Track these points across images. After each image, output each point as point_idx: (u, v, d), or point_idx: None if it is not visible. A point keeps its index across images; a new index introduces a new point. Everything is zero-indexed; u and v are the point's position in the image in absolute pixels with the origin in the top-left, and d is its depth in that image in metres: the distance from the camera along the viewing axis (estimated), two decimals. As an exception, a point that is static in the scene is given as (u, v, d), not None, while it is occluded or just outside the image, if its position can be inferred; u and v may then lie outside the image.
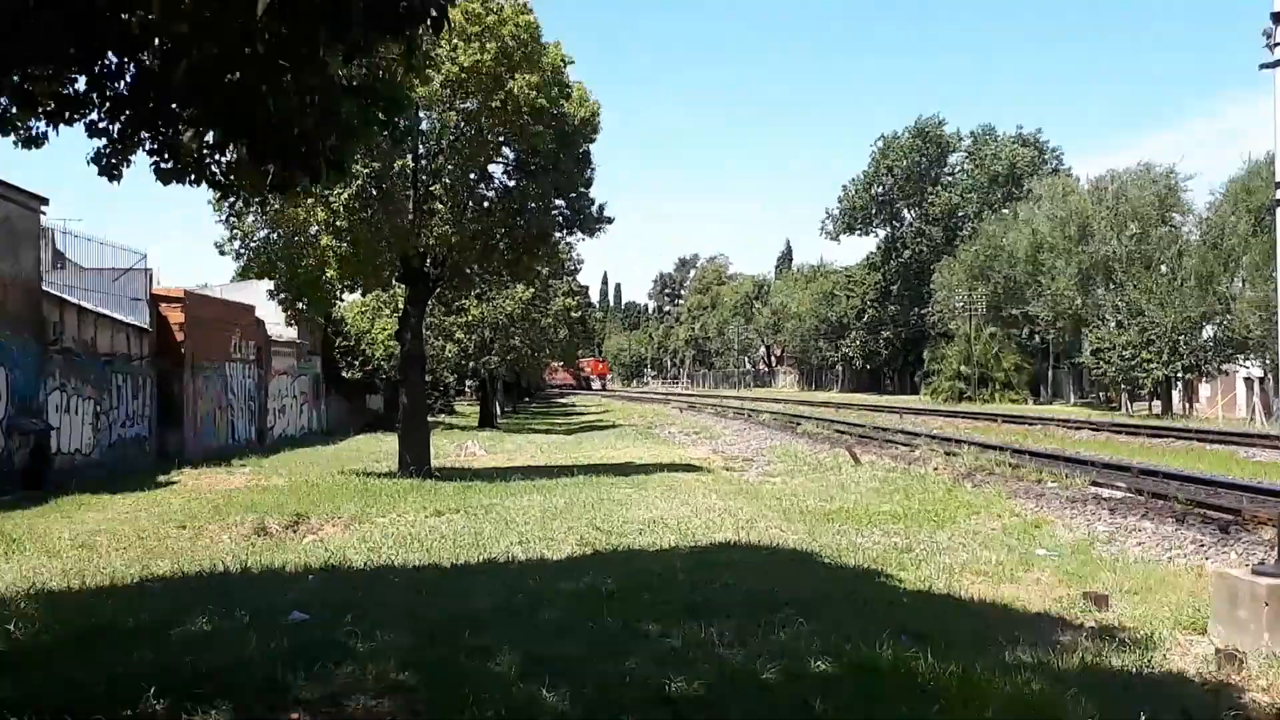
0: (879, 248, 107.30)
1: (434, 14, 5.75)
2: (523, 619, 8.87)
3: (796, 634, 8.26)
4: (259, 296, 32.28)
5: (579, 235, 27.15)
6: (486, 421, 55.82)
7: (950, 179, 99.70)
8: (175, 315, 30.55)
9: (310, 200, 21.74)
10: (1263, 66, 8.74)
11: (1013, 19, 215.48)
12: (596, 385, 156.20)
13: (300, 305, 27.49)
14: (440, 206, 24.09)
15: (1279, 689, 7.33)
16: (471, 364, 53.51)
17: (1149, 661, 8.03)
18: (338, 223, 23.35)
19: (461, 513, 17.54)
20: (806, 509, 17.91)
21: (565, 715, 6.31)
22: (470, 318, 46.11)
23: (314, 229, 23.85)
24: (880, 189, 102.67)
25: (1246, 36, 8.77)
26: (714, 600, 9.64)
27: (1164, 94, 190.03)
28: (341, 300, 35.22)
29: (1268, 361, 51.91)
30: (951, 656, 7.37)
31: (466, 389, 66.13)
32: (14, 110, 6.95)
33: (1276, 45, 8.64)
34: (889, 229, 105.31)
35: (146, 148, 7.20)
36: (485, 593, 10.06)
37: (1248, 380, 57.93)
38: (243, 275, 30.27)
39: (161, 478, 24.14)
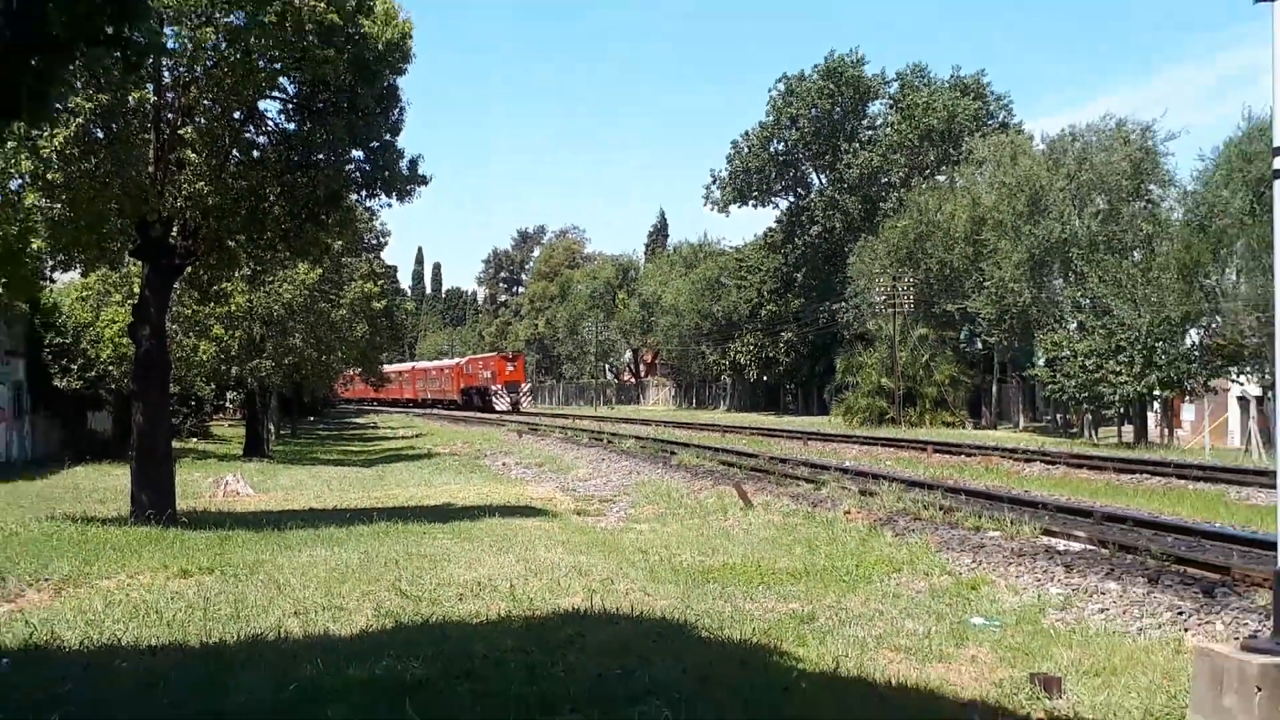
0: (779, 222, 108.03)
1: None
2: None
3: (664, 735, 8.27)
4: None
5: (382, 198, 26.53)
6: (254, 449, 54.94)
7: (871, 135, 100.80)
8: None
9: (10, 145, 21.07)
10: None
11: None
12: (502, 404, 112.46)
13: (-5, 289, 26.68)
14: (193, 156, 23.57)
15: (1272, 799, 7.55)
16: (235, 370, 52.22)
17: (1112, 765, 8.21)
18: (49, 175, 22.68)
19: (217, 573, 17.12)
20: (680, 565, 17.90)
21: None
22: (234, 308, 44.67)
23: (15, 182, 23.22)
24: (782, 146, 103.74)
25: (1239, -37, 9.01)
26: (555, 691, 9.56)
27: (1142, 33, 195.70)
28: (54, 281, 34.34)
29: (1267, 376, 51.75)
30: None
31: (228, 404, 64.82)
32: None
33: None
34: (792, 198, 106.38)
35: None
36: (246, 686, 9.82)
37: (1242, 400, 58.15)
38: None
39: None
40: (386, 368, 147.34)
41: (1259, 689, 8.69)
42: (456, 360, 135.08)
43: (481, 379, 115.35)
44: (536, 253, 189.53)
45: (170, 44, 22.46)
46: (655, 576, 16.72)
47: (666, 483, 33.21)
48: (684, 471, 36.83)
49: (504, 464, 45.37)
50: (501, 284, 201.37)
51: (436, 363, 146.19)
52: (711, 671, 10.59)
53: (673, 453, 44.57)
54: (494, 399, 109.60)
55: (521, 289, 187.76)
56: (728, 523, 23.43)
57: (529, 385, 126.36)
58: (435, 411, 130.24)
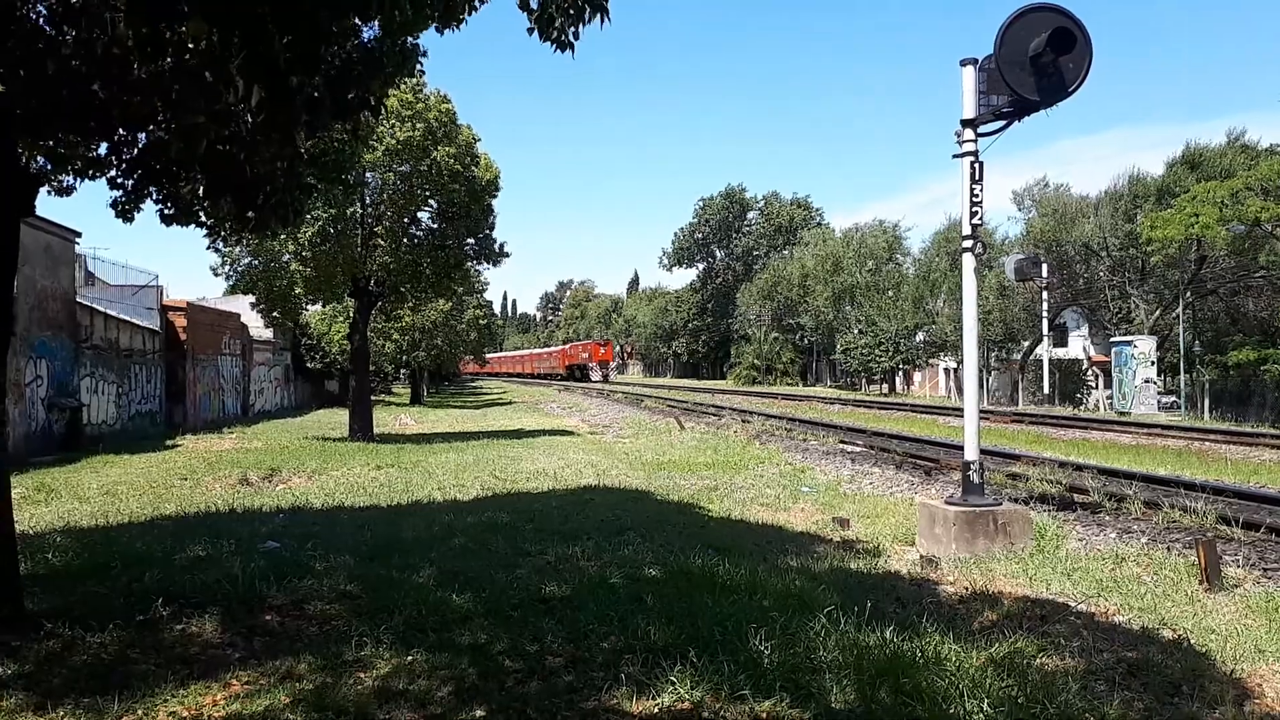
0: (699, 277, 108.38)
1: (373, 103, 5.66)
2: (439, 544, 8.74)
3: (636, 550, 8.34)
4: (243, 306, 31.04)
5: (485, 265, 26.78)
6: (415, 400, 54.80)
7: (748, 229, 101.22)
8: (179, 320, 29.69)
9: (283, 236, 21.07)
10: (955, 156, 9.07)
11: (800, 112, 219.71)
12: (597, 375, 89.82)
13: (275, 315, 26.60)
14: (382, 242, 23.58)
15: (961, 582, 7.65)
16: (404, 357, 52.35)
17: (876, 565, 8.30)
18: (303, 253, 22.77)
19: (395, 467, 17.17)
20: (646, 461, 17.97)
21: (470, 610, 6.27)
22: (404, 323, 44.92)
23: (285, 257, 23.37)
24: (700, 235, 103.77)
25: (949, 133, 9.13)
26: (579, 528, 9.63)
27: (895, 172, 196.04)
28: (306, 310, 34.35)
29: (959, 357, 53.30)
30: (742, 563, 7.53)
31: (400, 376, 64.53)
32: (49, 168, 6.60)
33: (964, 142, 8.97)
34: (706, 263, 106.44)
35: (154, 197, 6.92)
36: (411, 526, 9.87)
37: (946, 370, 59.97)
38: (231, 291, 29.07)
39: (169, 442, 23.10)
40: (513, 353, 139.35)
41: (954, 524, 8.82)
42: (563, 346, 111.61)
43: (581, 358, 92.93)
44: (568, 293, 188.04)
45: (371, 182, 22.71)
46: (632, 467, 16.79)
47: (639, 417, 33.27)
48: (648, 411, 36.89)
49: (551, 408, 45.24)
50: (549, 309, 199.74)
51: (548, 349, 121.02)
52: (663, 517, 10.67)
53: (642, 401, 44.55)
54: (591, 372, 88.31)
55: (560, 312, 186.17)
56: (672, 438, 23.50)
57: (616, 363, 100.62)
58: (541, 381, 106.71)
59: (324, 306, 37.27)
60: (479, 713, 4.55)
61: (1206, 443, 20.83)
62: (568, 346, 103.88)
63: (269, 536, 9.03)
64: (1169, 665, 5.34)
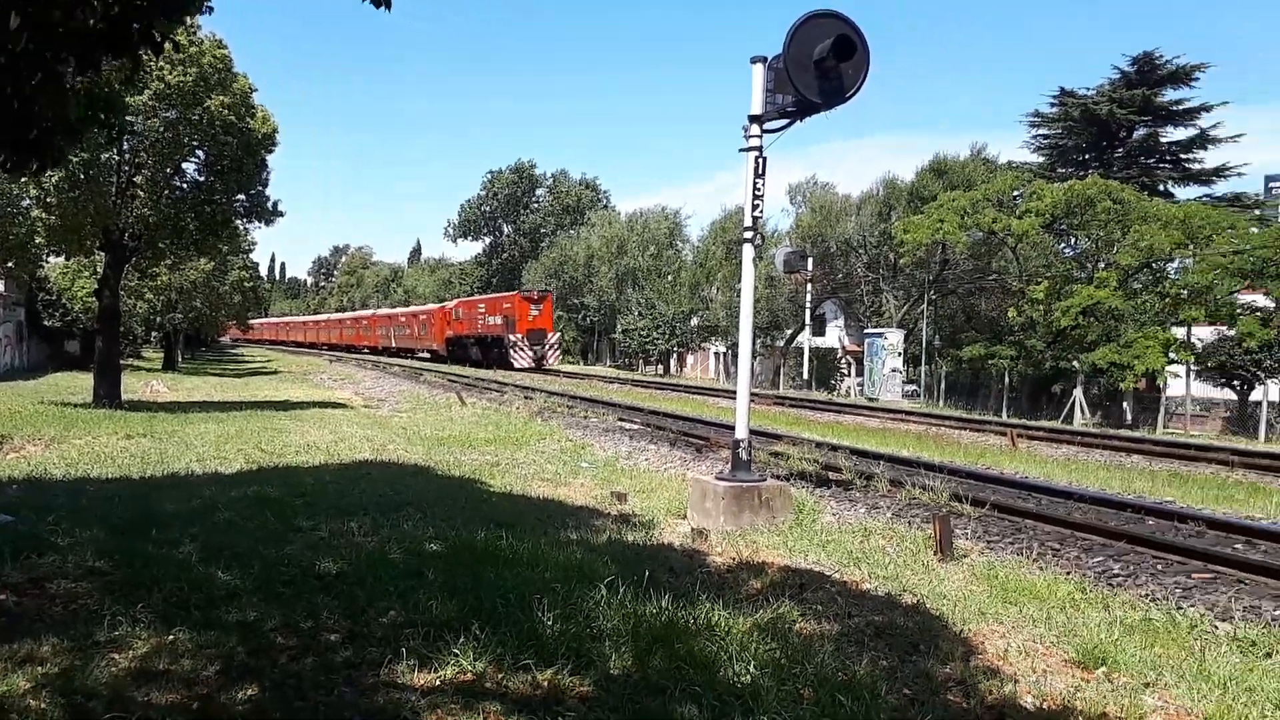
0: (485, 251, 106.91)
1: (157, 39, 5.16)
2: (201, 519, 8.19)
3: (416, 525, 8.18)
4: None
5: (256, 223, 24.97)
6: (169, 365, 50.65)
7: (537, 205, 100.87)
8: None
9: (24, 179, 18.86)
10: (741, 150, 9.44)
11: (591, 95, 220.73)
12: (523, 359, 48.69)
13: (9, 265, 23.82)
14: (141, 193, 21.57)
15: (729, 553, 8.05)
16: (159, 319, 48.35)
17: (651, 537, 8.56)
18: (47, 199, 20.45)
19: (148, 436, 15.85)
20: (426, 435, 17.54)
21: (238, 587, 5.93)
22: (160, 282, 41.24)
23: (25, 202, 20.90)
24: (488, 209, 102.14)
25: (734, 128, 9.45)
26: (354, 502, 9.30)
27: (688, 162, 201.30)
28: (47, 262, 30.97)
29: (730, 342, 55.46)
30: (525, 537, 7.56)
31: (153, 339, 59.41)
32: None
33: (750, 137, 9.34)
34: (493, 237, 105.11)
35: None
36: (169, 500, 9.16)
37: (717, 354, 62.41)
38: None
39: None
40: (302, 318, 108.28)
41: (723, 498, 9.25)
42: (441, 304, 67.90)
43: (485, 326, 53.18)
44: (344, 258, 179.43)
45: (134, 128, 20.57)
46: (411, 441, 16.35)
47: (417, 391, 32.45)
48: (427, 385, 35.98)
49: (322, 378, 43.07)
50: (322, 275, 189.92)
51: (409, 309, 76.93)
52: (444, 492, 10.50)
53: (420, 375, 43.45)
54: (511, 352, 48.86)
55: (334, 279, 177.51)
56: (452, 413, 23.08)
57: (556, 335, 53.15)
58: (289, 345, 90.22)
59: (68, 260, 33.80)
60: (249, 691, 4.33)
61: (943, 428, 22.94)
62: (452, 306, 61.65)
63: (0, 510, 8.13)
64: (909, 627, 5.87)
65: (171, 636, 4.96)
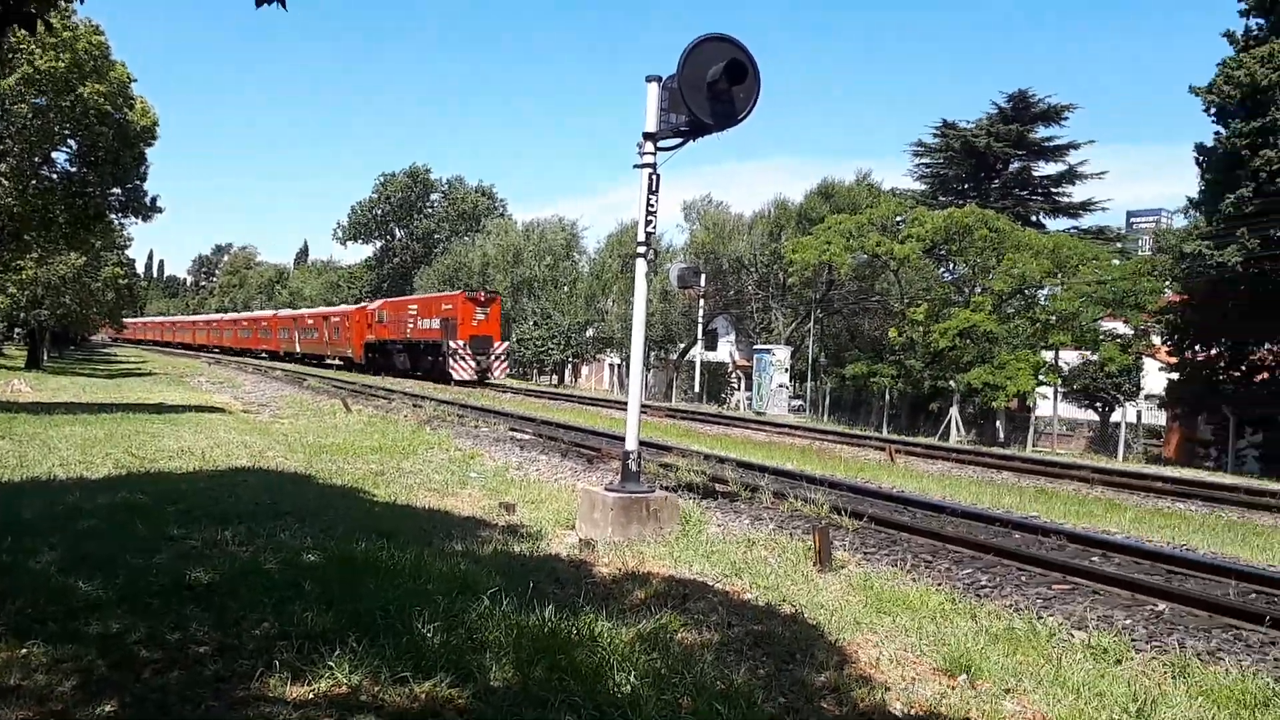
0: (376, 254, 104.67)
1: (31, 13, 4.86)
2: (63, 526, 7.76)
3: (294, 535, 7.93)
4: None
5: (133, 219, 23.92)
6: (33, 364, 47.69)
7: (431, 211, 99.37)
8: None
9: None
10: (635, 166, 9.53)
11: (489, 104, 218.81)
12: (464, 372, 41.02)
13: None
14: (5, 182, 20.35)
15: (615, 564, 8.07)
16: (23, 315, 45.61)
17: (538, 548, 8.52)
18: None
19: (6, 438, 14.89)
20: (307, 443, 16.97)
21: (100, 598, 5.64)
22: (25, 276, 38.92)
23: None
24: (380, 211, 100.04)
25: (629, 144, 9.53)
26: (230, 511, 8.96)
27: (584, 175, 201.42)
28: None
29: (625, 354, 55.73)
30: (408, 547, 7.42)
31: (15, 336, 55.89)
32: None
33: (644, 154, 9.44)
34: (384, 241, 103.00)
35: None
36: (28, 506, 8.65)
37: (612, 365, 62.74)
38: None
39: None
40: (229, 315, 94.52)
41: (612, 509, 9.29)
42: (360, 304, 60.50)
43: (417, 330, 45.93)
44: (226, 258, 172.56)
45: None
46: (292, 449, 15.84)
47: (300, 396, 31.41)
48: (310, 390, 34.88)
49: (199, 381, 41.13)
50: (203, 274, 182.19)
51: (319, 309, 68.33)
52: (326, 501, 10.23)
53: (304, 380, 42.05)
54: (451, 362, 41.52)
55: (215, 279, 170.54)
56: (336, 420, 22.45)
57: (506, 344, 45.67)
58: (172, 348, 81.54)
59: (-78, 248, 31.60)
60: (108, 707, 4.13)
61: (825, 442, 23.55)
62: (375, 305, 53.31)
63: None
64: (787, 636, 6.00)
65: (25, 650, 4.69)
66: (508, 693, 4.56)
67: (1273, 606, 7.63)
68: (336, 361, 57.04)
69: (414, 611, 5.46)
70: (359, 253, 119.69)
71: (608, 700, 4.51)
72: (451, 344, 41.27)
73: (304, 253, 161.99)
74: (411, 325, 46.59)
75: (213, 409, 24.60)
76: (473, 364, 41.28)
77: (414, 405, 26.54)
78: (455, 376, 40.70)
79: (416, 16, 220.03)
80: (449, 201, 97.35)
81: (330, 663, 4.70)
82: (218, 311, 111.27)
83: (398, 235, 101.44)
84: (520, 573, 7.01)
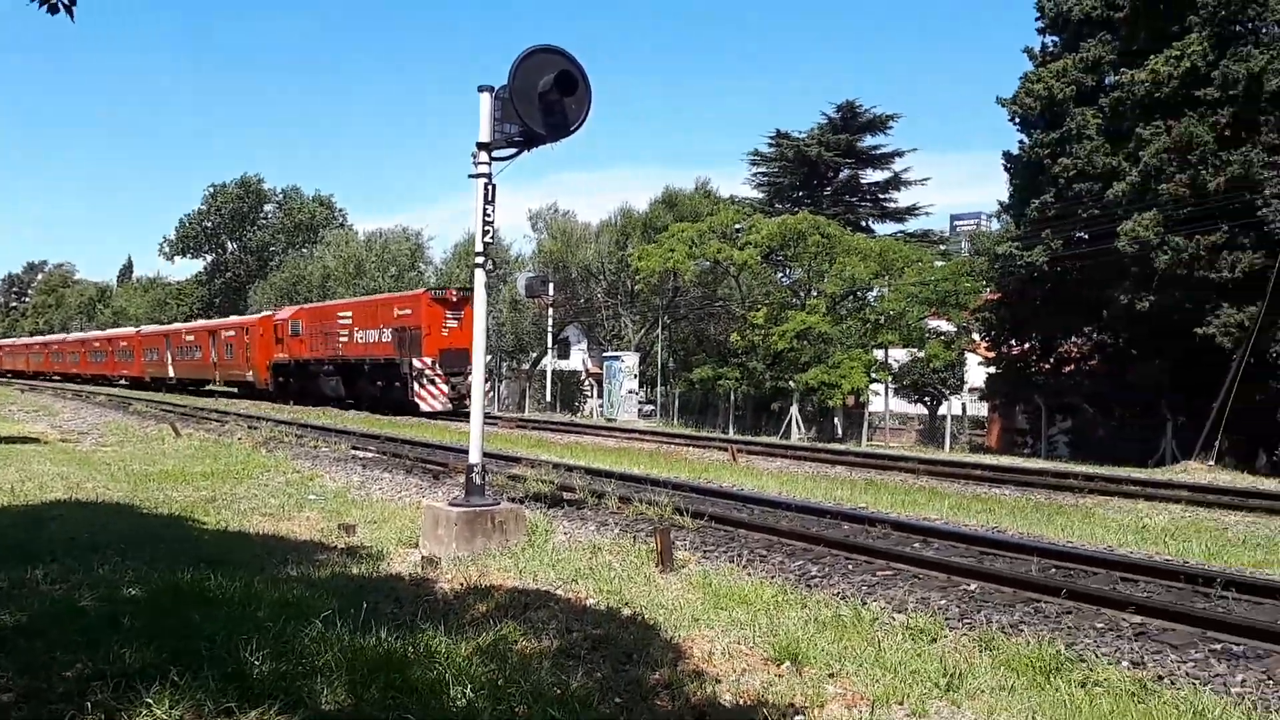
0: (206, 269, 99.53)
1: None
2: None
3: (114, 569, 7.51)
4: None
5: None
6: None
7: (265, 222, 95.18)
8: None
9: None
10: (470, 176, 9.53)
11: (327, 112, 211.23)
12: (436, 400, 30.96)
13: None
14: None
15: (459, 579, 8.02)
16: None
17: (378, 568, 8.38)
18: None
19: None
20: (132, 471, 16.07)
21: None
22: None
23: None
24: (210, 224, 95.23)
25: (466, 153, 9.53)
26: (42, 547, 8.39)
27: (428, 184, 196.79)
28: None
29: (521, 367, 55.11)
30: (238, 575, 7.16)
31: None
32: None
33: (479, 164, 9.45)
34: (215, 255, 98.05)
35: None
36: None
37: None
38: None
39: None
40: (75, 335, 76.80)
41: (456, 524, 9.23)
42: (263, 314, 47.43)
43: (357, 345, 35.14)
44: (40, 276, 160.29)
45: None
46: (114, 478, 14.96)
47: (125, 422, 29.55)
48: (137, 415, 32.70)
49: (9, 410, 38.04)
50: (14, 294, 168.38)
51: (204, 323, 55.22)
52: (150, 531, 9.74)
53: (129, 404, 39.43)
54: (416, 386, 30.94)
55: (28, 299, 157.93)
56: (165, 446, 21.28)
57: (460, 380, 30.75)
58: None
59: None
60: (-107, 769, 3.83)
61: (673, 445, 24.03)
62: (287, 314, 42.54)
63: None
64: (625, 638, 6.14)
65: None
66: (340, 715, 4.49)
67: (1069, 580, 8.36)
68: (230, 387, 47.77)
69: (241, 640, 5.28)
70: (189, 268, 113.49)
71: (442, 715, 4.51)
72: (416, 363, 31.64)
73: (128, 269, 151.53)
74: (344, 339, 36.63)
75: (25, 439, 22.86)
76: (445, 388, 31.82)
77: (249, 427, 25.41)
78: (423, 406, 31.49)
79: (246, 17, 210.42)
80: (284, 212, 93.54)
81: (149, 699, 4.49)
82: (33, 334, 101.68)
83: (230, 248, 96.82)
84: (357, 594, 6.87)
